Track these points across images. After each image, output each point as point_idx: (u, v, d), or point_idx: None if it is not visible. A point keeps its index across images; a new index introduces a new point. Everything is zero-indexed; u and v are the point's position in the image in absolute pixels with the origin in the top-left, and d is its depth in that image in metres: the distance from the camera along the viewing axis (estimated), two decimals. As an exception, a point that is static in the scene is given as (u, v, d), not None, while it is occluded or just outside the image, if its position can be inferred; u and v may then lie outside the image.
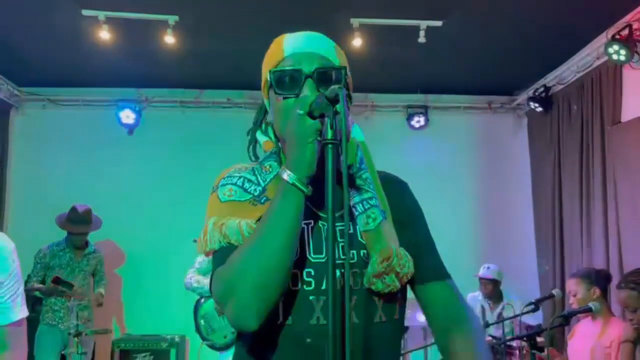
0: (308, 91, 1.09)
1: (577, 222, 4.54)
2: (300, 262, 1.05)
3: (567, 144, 4.80)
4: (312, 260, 1.07)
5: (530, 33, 4.18)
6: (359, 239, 1.10)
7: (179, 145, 5.30)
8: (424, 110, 5.51)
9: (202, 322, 3.41)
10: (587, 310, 2.92)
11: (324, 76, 1.11)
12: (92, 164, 5.22)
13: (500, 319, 4.00)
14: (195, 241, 3.67)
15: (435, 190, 5.12)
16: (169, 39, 4.01)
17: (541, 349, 3.61)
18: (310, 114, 1.00)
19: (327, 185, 0.94)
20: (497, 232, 5.36)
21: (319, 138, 0.99)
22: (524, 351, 3.76)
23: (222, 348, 3.30)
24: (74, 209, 4.32)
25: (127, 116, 5.32)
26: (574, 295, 3.16)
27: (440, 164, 5.42)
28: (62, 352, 4.08)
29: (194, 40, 4.20)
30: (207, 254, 1.11)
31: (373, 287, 1.06)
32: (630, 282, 2.69)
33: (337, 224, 1.04)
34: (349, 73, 1.17)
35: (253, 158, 1.24)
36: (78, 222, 4.31)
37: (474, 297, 4.70)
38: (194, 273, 3.43)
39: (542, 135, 5.27)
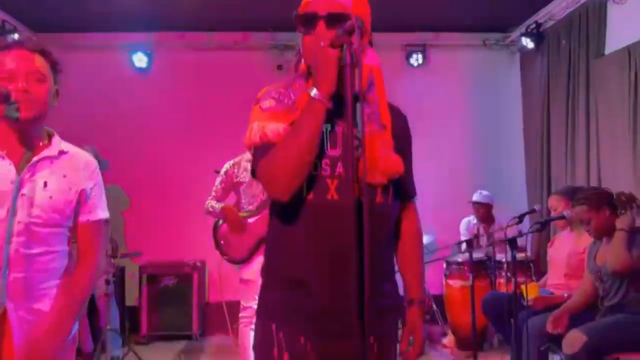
0: (321, 29, 1.44)
1: (563, 150, 4.92)
2: (320, 155, 1.44)
3: (556, 78, 5.10)
4: (329, 153, 1.46)
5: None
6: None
7: (193, 85, 5.60)
8: (422, 48, 5.78)
9: (221, 241, 3.71)
10: (561, 218, 3.35)
11: (335, 18, 1.43)
12: (108, 107, 5.50)
13: (491, 239, 4.45)
14: (216, 171, 4.05)
15: (433, 124, 5.48)
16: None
17: (522, 263, 4.07)
18: (332, 46, 1.36)
19: (345, 98, 1.31)
20: (491, 161, 5.75)
21: (339, 63, 1.35)
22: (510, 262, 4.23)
23: (241, 262, 3.59)
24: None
25: (140, 59, 5.60)
26: (554, 210, 3.58)
27: (437, 100, 5.73)
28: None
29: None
30: (249, 148, 1.50)
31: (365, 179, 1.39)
32: (580, 199, 3.08)
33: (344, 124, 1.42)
34: (362, 18, 1.46)
35: (295, 68, 1.59)
36: None
37: (469, 221, 5.15)
38: (211, 200, 3.74)
39: (533, 70, 5.57)
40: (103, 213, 1.77)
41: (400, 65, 5.79)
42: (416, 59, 5.78)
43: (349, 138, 1.32)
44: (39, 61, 1.64)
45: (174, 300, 5.16)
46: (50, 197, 1.62)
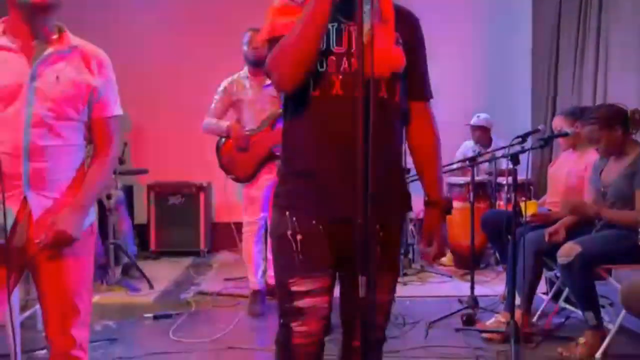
0: None
1: (571, 69, 4.85)
2: (326, 51, 1.49)
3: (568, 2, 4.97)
4: (334, 50, 1.50)
5: None
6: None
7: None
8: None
9: (224, 157, 3.67)
10: (565, 135, 3.36)
11: None
12: (101, 25, 5.30)
13: (493, 156, 4.42)
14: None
15: (437, 41, 5.30)
16: None
17: (522, 185, 4.09)
18: None
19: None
20: (496, 83, 5.62)
21: None
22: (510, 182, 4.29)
23: (245, 180, 3.64)
24: None
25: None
26: (559, 130, 3.57)
27: (444, 16, 5.43)
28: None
29: None
30: (263, 43, 1.59)
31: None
32: (591, 118, 3.01)
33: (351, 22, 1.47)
34: None
35: None
36: None
37: (467, 145, 5.16)
38: (210, 117, 3.73)
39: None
40: (116, 109, 1.81)
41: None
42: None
43: (360, 28, 1.33)
44: None
45: (181, 218, 5.31)
46: (62, 92, 1.65)
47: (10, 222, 1.61)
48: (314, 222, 1.54)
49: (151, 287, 4.17)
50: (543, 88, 5.40)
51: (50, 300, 1.70)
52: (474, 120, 5.06)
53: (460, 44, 5.61)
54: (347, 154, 1.36)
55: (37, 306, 2.37)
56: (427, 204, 1.71)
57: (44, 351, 2.74)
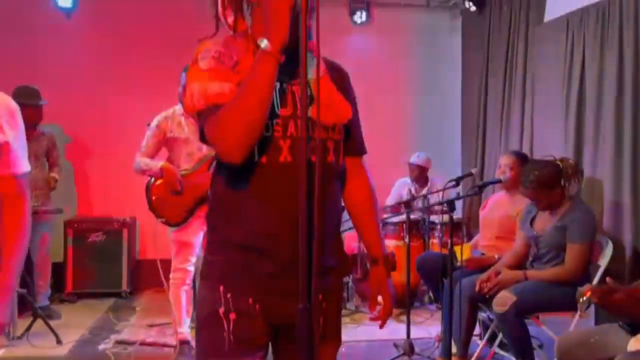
0: None
1: (499, 114, 5.03)
2: (271, 115, 1.34)
3: (496, 42, 5.17)
4: (279, 113, 1.37)
5: None
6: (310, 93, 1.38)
7: (121, 29, 5.25)
8: (366, 5, 5.67)
9: (155, 200, 3.51)
10: (497, 182, 3.42)
11: None
12: (31, 48, 5.10)
13: (427, 200, 4.51)
14: (149, 125, 3.80)
15: (374, 83, 5.44)
16: None
17: (455, 224, 4.15)
18: None
19: (300, 47, 1.20)
20: (428, 123, 5.80)
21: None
22: (446, 223, 4.34)
23: (176, 225, 3.44)
24: (21, 86, 4.22)
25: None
26: (511, 169, 3.50)
27: (379, 59, 5.69)
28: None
29: None
30: (192, 112, 1.37)
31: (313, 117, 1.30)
32: (532, 180, 3.01)
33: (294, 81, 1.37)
34: None
35: (231, 31, 1.46)
36: (30, 95, 4.21)
37: (404, 182, 5.21)
38: (142, 156, 3.51)
39: (474, 33, 5.61)
40: (27, 164, 1.61)
41: (344, 22, 5.66)
42: (360, 17, 5.67)
43: (304, 90, 1.22)
44: None
45: (102, 257, 4.95)
46: None
47: None
48: (250, 300, 1.39)
49: (58, 341, 3.72)
50: (472, 128, 5.57)
51: None
52: (413, 159, 5.10)
53: (395, 83, 5.73)
54: (293, 227, 1.23)
55: None
56: (372, 262, 1.64)
57: None
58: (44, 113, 4.43)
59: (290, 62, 1.28)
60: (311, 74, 1.30)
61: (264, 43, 1.27)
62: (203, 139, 1.38)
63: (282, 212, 1.35)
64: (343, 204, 1.65)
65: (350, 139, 1.54)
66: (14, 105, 1.57)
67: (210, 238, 1.50)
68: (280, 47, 1.27)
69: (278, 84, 1.36)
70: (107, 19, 5.26)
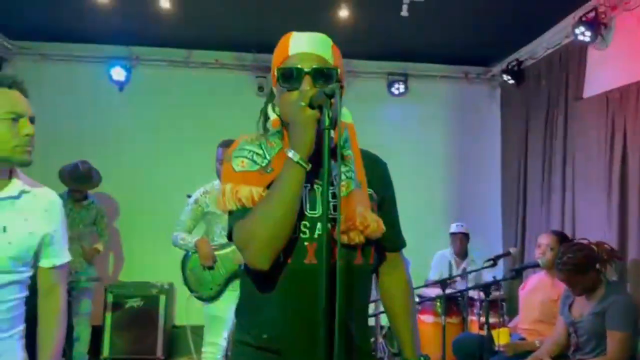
0: (306, 85, 1.37)
1: (539, 193, 4.93)
2: (299, 216, 1.36)
3: (535, 116, 5.14)
4: (308, 215, 1.38)
5: (506, 9, 4.44)
6: None
7: (168, 103, 5.52)
8: (404, 77, 5.79)
9: (189, 274, 3.53)
10: (536, 266, 3.32)
11: (320, 73, 1.39)
12: (84, 119, 5.41)
13: (465, 278, 4.41)
14: (188, 196, 3.89)
15: (411, 154, 5.49)
16: (164, 2, 4.18)
17: (494, 302, 4.04)
18: (311, 105, 1.30)
19: (323, 161, 1.25)
20: (468, 195, 5.75)
21: (317, 124, 1.29)
22: (483, 303, 4.20)
23: (209, 299, 3.46)
24: (75, 166, 4.56)
25: (118, 73, 5.48)
26: (551, 249, 3.42)
27: (417, 130, 5.75)
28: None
29: (186, 1, 4.37)
30: (222, 210, 1.42)
31: (341, 240, 1.34)
32: (568, 264, 2.93)
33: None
34: (340, 70, 1.45)
35: (262, 130, 1.52)
36: (80, 179, 4.55)
37: (443, 254, 5.12)
38: (180, 231, 3.58)
39: (513, 106, 5.60)
40: (66, 255, 1.68)
41: (382, 93, 5.78)
42: (397, 88, 5.78)
43: (325, 203, 1.25)
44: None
45: (139, 322, 5.00)
46: (10, 243, 1.51)
47: None
48: None
49: None
50: (512, 206, 5.47)
51: None
52: (453, 228, 5.04)
53: (434, 155, 5.77)
54: (313, 331, 1.23)
55: None
56: None
57: None
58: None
59: (321, 164, 1.28)
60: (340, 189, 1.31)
61: (291, 153, 1.31)
62: (230, 238, 1.41)
63: (307, 318, 1.33)
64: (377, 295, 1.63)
65: (385, 239, 1.50)
66: (54, 198, 1.65)
67: (234, 335, 1.51)
68: (307, 158, 1.31)
69: (308, 185, 1.39)
70: (156, 92, 5.55)
